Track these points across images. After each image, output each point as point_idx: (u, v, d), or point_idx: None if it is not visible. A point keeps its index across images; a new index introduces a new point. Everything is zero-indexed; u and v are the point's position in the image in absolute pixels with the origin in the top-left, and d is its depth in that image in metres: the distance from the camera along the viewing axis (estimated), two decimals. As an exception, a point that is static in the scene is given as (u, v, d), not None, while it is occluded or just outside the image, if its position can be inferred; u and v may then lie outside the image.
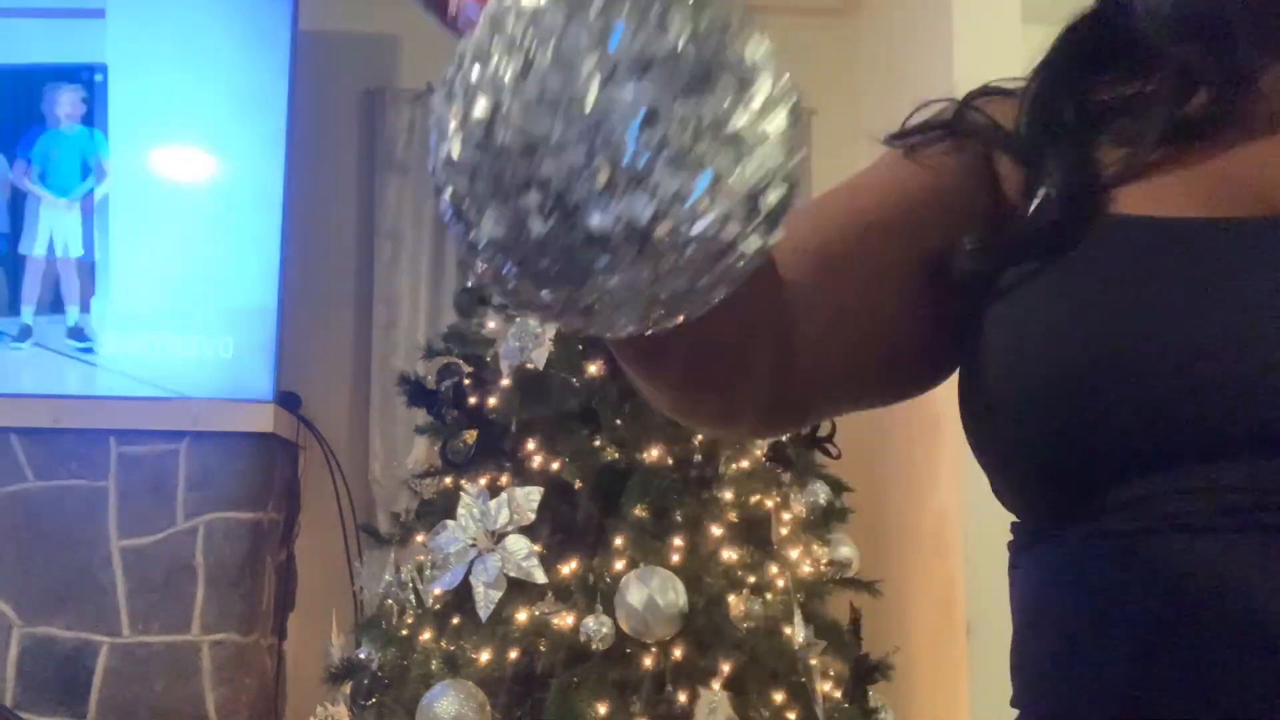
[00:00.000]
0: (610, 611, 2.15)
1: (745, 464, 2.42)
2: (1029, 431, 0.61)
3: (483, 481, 2.35)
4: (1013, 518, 0.68)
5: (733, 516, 2.38)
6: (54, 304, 3.22)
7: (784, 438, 2.50)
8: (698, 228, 0.41)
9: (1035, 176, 0.65)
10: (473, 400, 2.49)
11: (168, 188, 3.27)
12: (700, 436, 2.37)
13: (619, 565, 2.22)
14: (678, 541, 2.28)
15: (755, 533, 2.39)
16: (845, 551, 2.65)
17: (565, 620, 2.18)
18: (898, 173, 0.69)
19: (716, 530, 2.33)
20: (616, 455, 2.36)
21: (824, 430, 2.62)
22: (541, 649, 2.18)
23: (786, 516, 2.45)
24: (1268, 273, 0.57)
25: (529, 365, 2.39)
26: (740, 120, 0.41)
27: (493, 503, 2.25)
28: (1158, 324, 0.57)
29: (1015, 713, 0.65)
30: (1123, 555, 0.58)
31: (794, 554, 2.45)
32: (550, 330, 2.38)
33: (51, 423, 3.09)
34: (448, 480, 2.55)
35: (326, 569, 3.35)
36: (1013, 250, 0.63)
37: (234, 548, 3.08)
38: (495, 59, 0.41)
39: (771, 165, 0.42)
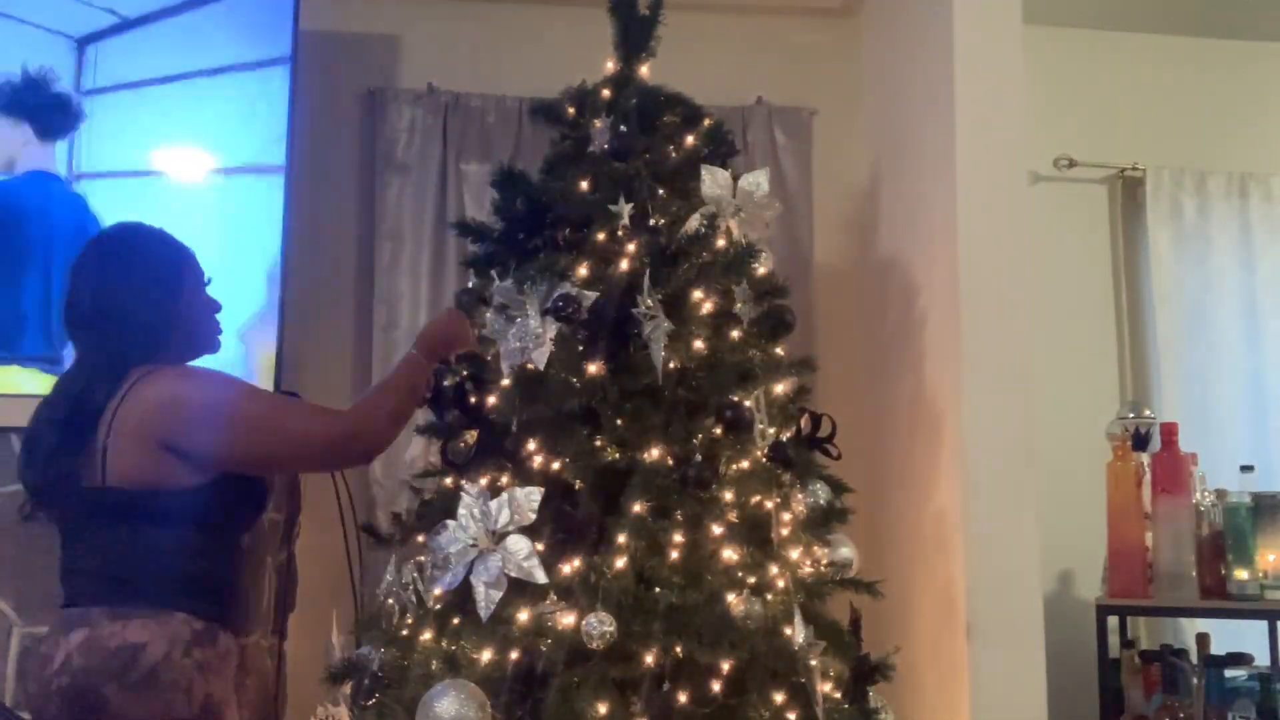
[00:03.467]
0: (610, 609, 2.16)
1: (746, 464, 2.42)
2: None
3: (483, 481, 2.35)
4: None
5: (733, 516, 2.37)
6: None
7: (783, 438, 2.50)
8: None
9: None
10: (473, 400, 2.49)
11: (168, 187, 3.27)
12: (699, 437, 2.37)
13: (620, 563, 2.22)
14: (678, 539, 2.28)
15: (755, 533, 2.39)
16: (845, 552, 2.64)
17: (566, 619, 2.18)
18: None
19: (717, 530, 2.33)
20: (616, 455, 2.36)
21: (824, 431, 2.61)
22: (542, 648, 2.18)
23: (786, 517, 2.44)
24: None
25: (529, 365, 2.39)
26: None
27: (493, 503, 2.25)
28: None
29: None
30: None
31: (794, 554, 2.44)
32: (551, 330, 2.38)
33: (52, 423, 3.08)
34: (448, 480, 2.55)
35: (326, 569, 3.35)
36: None
37: (234, 548, 3.08)
38: None
39: None
